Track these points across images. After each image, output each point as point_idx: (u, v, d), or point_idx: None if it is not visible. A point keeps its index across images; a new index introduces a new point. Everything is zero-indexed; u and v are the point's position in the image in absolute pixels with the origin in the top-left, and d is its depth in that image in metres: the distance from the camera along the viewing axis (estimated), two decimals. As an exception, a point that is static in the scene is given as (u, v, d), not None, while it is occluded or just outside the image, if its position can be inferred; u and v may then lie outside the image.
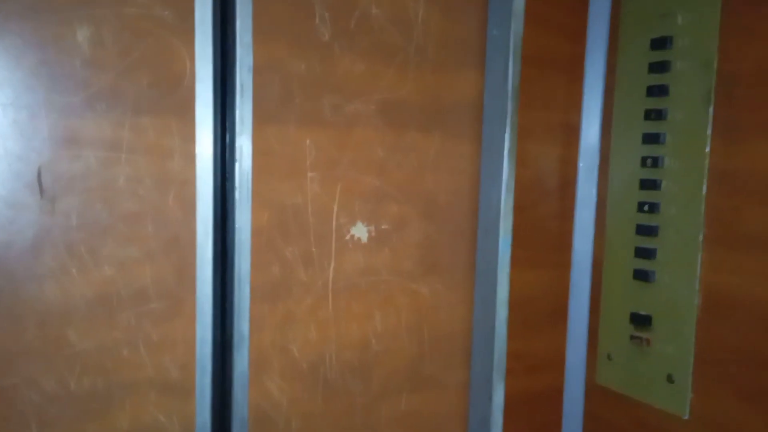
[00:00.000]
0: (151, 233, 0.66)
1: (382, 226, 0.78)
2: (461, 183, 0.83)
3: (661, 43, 0.80)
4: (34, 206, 0.60)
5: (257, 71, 0.68)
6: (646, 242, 0.83)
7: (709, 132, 0.75)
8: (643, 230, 0.83)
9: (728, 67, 0.74)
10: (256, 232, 0.70)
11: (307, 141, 0.73)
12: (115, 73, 0.62)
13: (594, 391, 0.92)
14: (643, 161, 0.83)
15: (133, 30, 0.63)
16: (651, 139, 0.82)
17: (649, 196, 0.82)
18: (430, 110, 0.80)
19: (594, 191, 0.90)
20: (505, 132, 0.79)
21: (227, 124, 0.68)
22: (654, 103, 0.82)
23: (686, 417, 0.79)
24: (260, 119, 0.69)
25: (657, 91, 0.81)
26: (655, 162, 0.81)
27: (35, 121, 0.60)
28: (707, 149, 0.76)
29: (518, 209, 0.85)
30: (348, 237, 0.76)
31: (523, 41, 0.78)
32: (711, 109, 0.75)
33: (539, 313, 0.92)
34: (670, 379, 0.81)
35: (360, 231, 0.77)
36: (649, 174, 0.82)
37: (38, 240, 0.61)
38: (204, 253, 0.67)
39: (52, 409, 0.63)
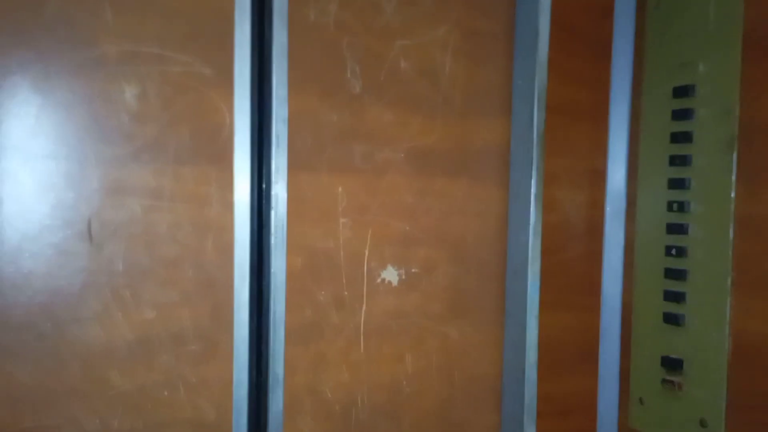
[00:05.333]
0: (190, 277, 0.68)
1: (412, 270, 0.80)
2: (489, 227, 0.85)
3: (683, 92, 0.82)
4: (83, 253, 0.64)
5: (291, 122, 0.72)
6: (675, 286, 0.83)
7: (733, 178, 0.77)
8: (672, 274, 0.83)
9: (749, 115, 0.75)
10: (290, 276, 0.72)
11: (339, 188, 0.75)
12: (158, 126, 0.66)
13: (626, 436, 0.92)
14: (669, 206, 0.84)
15: (176, 86, 0.67)
16: (676, 184, 0.83)
17: (676, 240, 0.83)
18: (457, 156, 0.82)
19: (622, 235, 0.91)
20: (531, 177, 0.81)
21: (263, 173, 0.71)
22: (678, 150, 0.83)
23: (720, 462, 0.78)
24: (294, 167, 0.73)
25: (681, 137, 0.82)
26: (681, 207, 0.82)
27: (85, 172, 0.63)
28: (732, 194, 0.77)
29: (546, 253, 0.86)
30: (379, 280, 0.78)
31: (548, 90, 0.81)
32: (734, 156, 0.76)
33: (569, 355, 0.93)
34: (703, 423, 0.80)
35: (390, 274, 0.79)
36: (675, 218, 0.83)
37: (85, 285, 0.64)
38: (241, 297, 0.70)
39: (94, 448, 0.65)
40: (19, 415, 0.62)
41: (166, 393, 0.67)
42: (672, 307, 0.84)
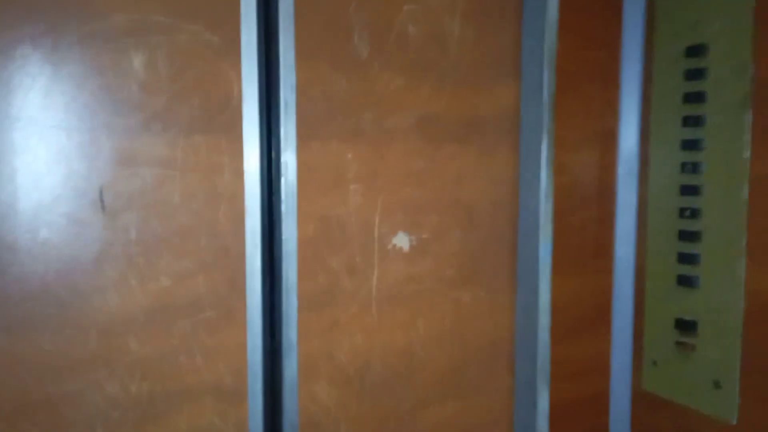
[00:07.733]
0: (204, 246, 0.69)
1: (423, 236, 0.81)
2: (499, 191, 0.85)
3: (696, 51, 0.81)
4: (97, 222, 0.65)
5: (300, 90, 0.72)
6: (689, 248, 0.83)
7: (747, 138, 0.76)
8: (686, 236, 0.83)
9: (763, 73, 0.74)
10: (302, 243, 0.73)
11: (349, 155, 0.76)
12: (168, 96, 0.67)
13: (640, 397, 0.92)
14: (683, 167, 0.83)
15: (184, 55, 0.67)
16: (689, 145, 0.82)
17: (689, 201, 0.83)
18: (467, 121, 0.82)
19: (634, 197, 0.91)
20: (542, 140, 0.80)
21: (273, 141, 0.71)
22: (691, 110, 0.82)
23: (734, 422, 0.78)
24: (304, 135, 0.73)
25: (694, 98, 0.81)
26: (695, 168, 0.81)
27: (97, 142, 0.64)
28: (746, 155, 0.76)
29: (557, 216, 0.86)
30: (390, 246, 0.79)
31: (558, 52, 0.80)
32: (749, 115, 0.75)
33: (582, 318, 0.93)
34: (717, 384, 0.80)
35: (402, 240, 0.80)
36: (688, 179, 0.83)
37: (101, 254, 0.65)
38: (253, 264, 0.70)
39: (115, 412, 0.67)
40: (42, 382, 0.64)
41: (182, 358, 0.69)
42: (685, 269, 0.84)
